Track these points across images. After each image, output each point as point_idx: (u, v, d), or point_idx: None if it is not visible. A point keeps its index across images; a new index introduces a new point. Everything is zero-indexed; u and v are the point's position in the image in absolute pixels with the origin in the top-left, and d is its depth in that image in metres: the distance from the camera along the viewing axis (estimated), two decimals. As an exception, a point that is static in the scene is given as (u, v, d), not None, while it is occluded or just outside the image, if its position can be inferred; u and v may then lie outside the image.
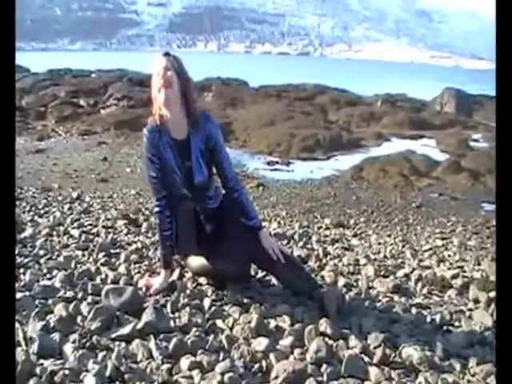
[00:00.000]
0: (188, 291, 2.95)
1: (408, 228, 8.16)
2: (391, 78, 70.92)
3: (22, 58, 38.61)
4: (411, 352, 2.37)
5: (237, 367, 2.12)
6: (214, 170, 3.08)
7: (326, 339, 2.43)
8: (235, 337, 2.45)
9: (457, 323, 2.98)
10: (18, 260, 3.34)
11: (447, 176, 13.56)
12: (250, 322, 2.56)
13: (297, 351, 2.35)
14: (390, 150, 16.35)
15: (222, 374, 2.07)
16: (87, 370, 2.00)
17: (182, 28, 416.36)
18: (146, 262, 3.52)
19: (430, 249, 5.83)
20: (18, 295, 2.65)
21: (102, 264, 3.43)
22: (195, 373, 2.07)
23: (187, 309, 2.68)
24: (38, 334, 2.20)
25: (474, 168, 13.89)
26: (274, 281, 3.22)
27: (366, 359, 2.33)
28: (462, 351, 2.54)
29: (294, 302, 2.92)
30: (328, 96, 28.35)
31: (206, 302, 2.82)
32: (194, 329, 2.47)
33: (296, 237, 5.27)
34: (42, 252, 3.60)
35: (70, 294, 2.79)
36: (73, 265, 3.35)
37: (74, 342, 2.23)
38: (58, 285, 2.91)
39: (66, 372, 1.95)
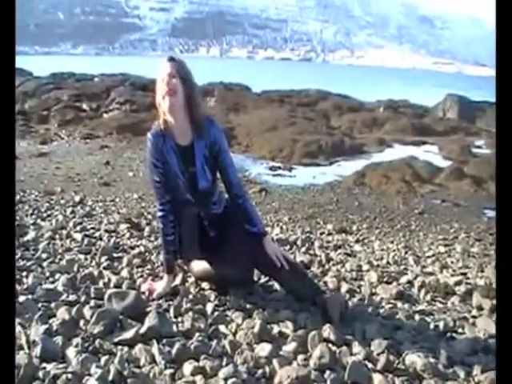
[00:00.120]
0: (191, 296, 2.94)
1: (411, 234, 8.15)
2: (393, 84, 70.97)
3: (24, 62, 38.75)
4: (415, 359, 2.36)
5: (240, 373, 2.11)
6: (218, 175, 3.08)
7: (330, 345, 2.41)
8: (238, 342, 2.44)
9: (460, 330, 2.96)
10: (21, 263, 3.33)
11: (450, 182, 13.54)
12: (253, 328, 2.54)
13: (300, 357, 2.33)
14: (392, 156, 16.36)
15: (226, 379, 2.06)
16: (90, 374, 1.99)
17: (184, 33, 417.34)
18: (149, 266, 3.52)
19: (433, 255, 5.82)
20: (21, 298, 2.65)
21: (104, 268, 3.42)
22: (198, 378, 2.06)
23: (190, 313, 2.67)
24: (41, 337, 2.19)
25: (476, 174, 13.87)
26: (276, 286, 3.21)
27: (370, 366, 2.31)
28: (465, 358, 2.52)
29: (297, 308, 2.91)
30: (330, 102, 28.38)
31: (209, 307, 2.81)
32: (197, 334, 2.46)
33: (298, 242, 5.26)
34: (44, 255, 3.60)
35: (72, 297, 2.78)
36: (75, 268, 3.35)
37: (76, 345, 2.22)
38: (60, 288, 2.91)
39: (69, 376, 1.94)
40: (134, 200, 8.65)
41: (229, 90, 28.60)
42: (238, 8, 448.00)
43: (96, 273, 3.24)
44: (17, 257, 3.47)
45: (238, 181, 3.10)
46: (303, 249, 4.95)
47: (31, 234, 4.15)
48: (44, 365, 2.05)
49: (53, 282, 3.04)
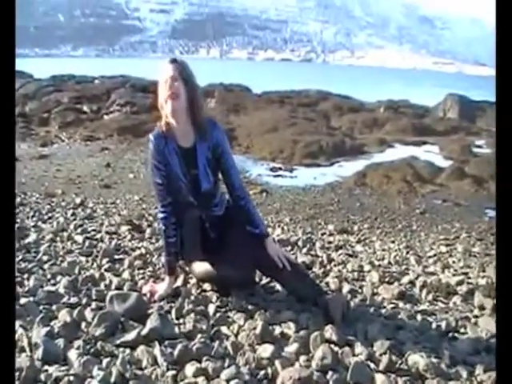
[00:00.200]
0: (192, 297, 2.94)
1: (412, 234, 8.15)
2: (394, 85, 71.00)
3: (25, 64, 38.84)
4: (417, 359, 2.35)
5: (242, 374, 2.10)
6: (220, 177, 3.07)
7: (332, 346, 2.41)
8: (240, 343, 2.44)
9: (462, 330, 2.95)
10: (22, 265, 3.33)
11: (451, 182, 13.55)
12: (255, 329, 2.53)
13: (302, 358, 2.33)
14: (393, 157, 16.37)
15: (228, 380, 2.05)
16: (92, 377, 1.99)
17: (184, 34, 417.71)
18: (150, 268, 3.52)
19: (435, 255, 5.82)
20: (22, 301, 2.65)
21: (105, 270, 3.42)
22: (200, 379, 2.06)
23: (192, 315, 2.67)
24: (43, 339, 2.18)
25: (477, 174, 13.88)
26: (278, 287, 3.21)
27: (372, 366, 2.31)
28: (468, 358, 2.51)
29: (299, 309, 2.90)
30: (331, 102, 28.37)
31: (211, 309, 2.80)
32: (199, 335, 2.45)
33: (300, 243, 5.26)
34: (45, 257, 3.60)
35: (74, 299, 2.77)
36: (77, 270, 3.35)
37: (78, 348, 2.21)
38: (61, 290, 2.90)
39: (71, 378, 1.94)
40: (134, 202, 8.66)
41: (229, 91, 28.58)
42: (238, 9, 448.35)
43: (97, 275, 3.24)
44: (18, 259, 3.47)
45: (241, 182, 3.09)
46: (304, 249, 4.94)
47: (32, 237, 4.15)
48: (46, 367, 2.05)
49: (54, 284, 3.04)
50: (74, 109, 22.84)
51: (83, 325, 2.44)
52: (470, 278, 4.44)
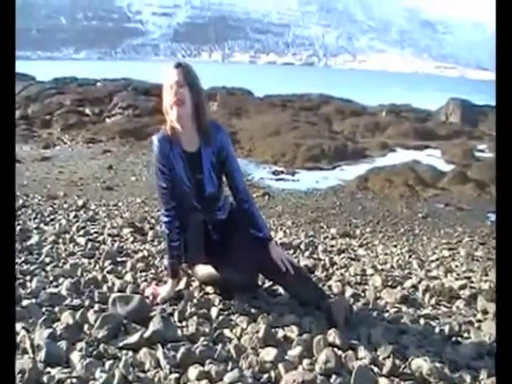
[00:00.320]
0: (195, 300, 2.93)
1: (414, 238, 8.13)
2: (396, 89, 71.03)
3: (27, 67, 38.93)
4: (421, 363, 2.35)
5: (245, 377, 2.10)
6: (223, 179, 3.07)
7: (335, 350, 2.40)
8: (243, 346, 2.43)
9: (466, 334, 2.95)
10: (24, 267, 3.34)
11: (453, 186, 13.54)
12: (257, 332, 2.53)
13: (305, 361, 2.32)
14: (395, 161, 16.37)
15: (231, 384, 2.05)
16: (95, 379, 1.98)
17: (186, 38, 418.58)
18: (153, 271, 3.51)
19: (437, 259, 5.80)
20: (25, 302, 2.65)
21: (108, 272, 3.42)
22: (203, 383, 2.05)
23: (194, 318, 2.66)
24: (45, 341, 2.18)
25: (479, 178, 13.86)
26: (281, 290, 3.20)
27: (376, 370, 2.30)
28: (471, 362, 2.50)
29: (302, 312, 2.89)
30: (333, 106, 28.39)
31: (214, 312, 2.80)
32: (202, 338, 2.44)
33: (302, 246, 5.25)
34: (48, 259, 3.59)
35: (76, 301, 2.77)
36: (79, 273, 3.34)
37: (80, 350, 2.21)
38: (64, 292, 2.90)
39: (74, 381, 1.94)
40: (137, 204, 8.65)
41: (231, 95, 28.61)
42: (240, 13, 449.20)
43: (100, 277, 3.24)
44: (20, 261, 3.47)
45: (245, 185, 3.08)
46: (307, 253, 4.93)
47: (34, 239, 4.15)
48: (48, 369, 2.04)
49: (56, 286, 3.04)
50: (76, 111, 22.88)
51: (86, 327, 2.44)
52: (472, 282, 4.43)
